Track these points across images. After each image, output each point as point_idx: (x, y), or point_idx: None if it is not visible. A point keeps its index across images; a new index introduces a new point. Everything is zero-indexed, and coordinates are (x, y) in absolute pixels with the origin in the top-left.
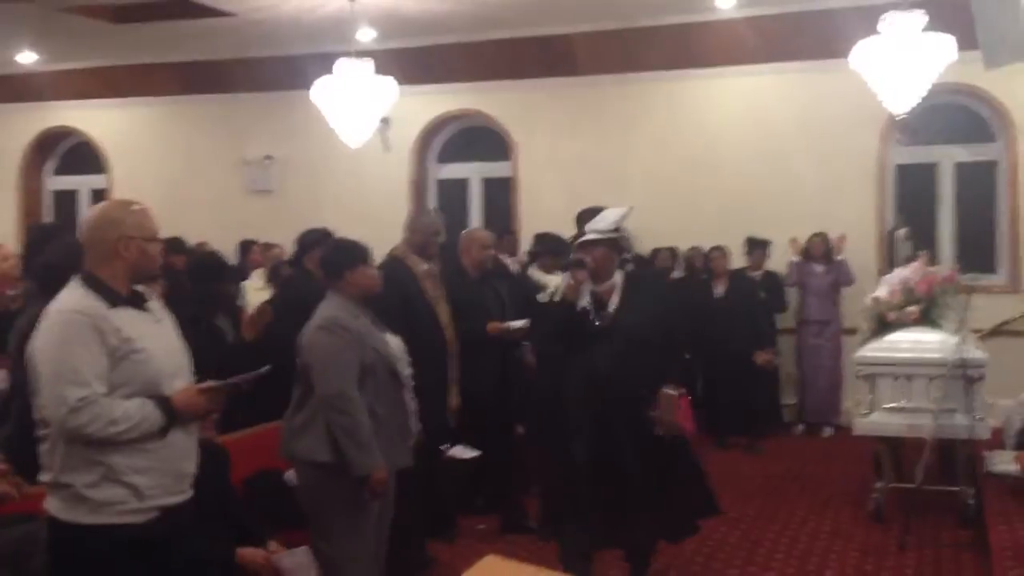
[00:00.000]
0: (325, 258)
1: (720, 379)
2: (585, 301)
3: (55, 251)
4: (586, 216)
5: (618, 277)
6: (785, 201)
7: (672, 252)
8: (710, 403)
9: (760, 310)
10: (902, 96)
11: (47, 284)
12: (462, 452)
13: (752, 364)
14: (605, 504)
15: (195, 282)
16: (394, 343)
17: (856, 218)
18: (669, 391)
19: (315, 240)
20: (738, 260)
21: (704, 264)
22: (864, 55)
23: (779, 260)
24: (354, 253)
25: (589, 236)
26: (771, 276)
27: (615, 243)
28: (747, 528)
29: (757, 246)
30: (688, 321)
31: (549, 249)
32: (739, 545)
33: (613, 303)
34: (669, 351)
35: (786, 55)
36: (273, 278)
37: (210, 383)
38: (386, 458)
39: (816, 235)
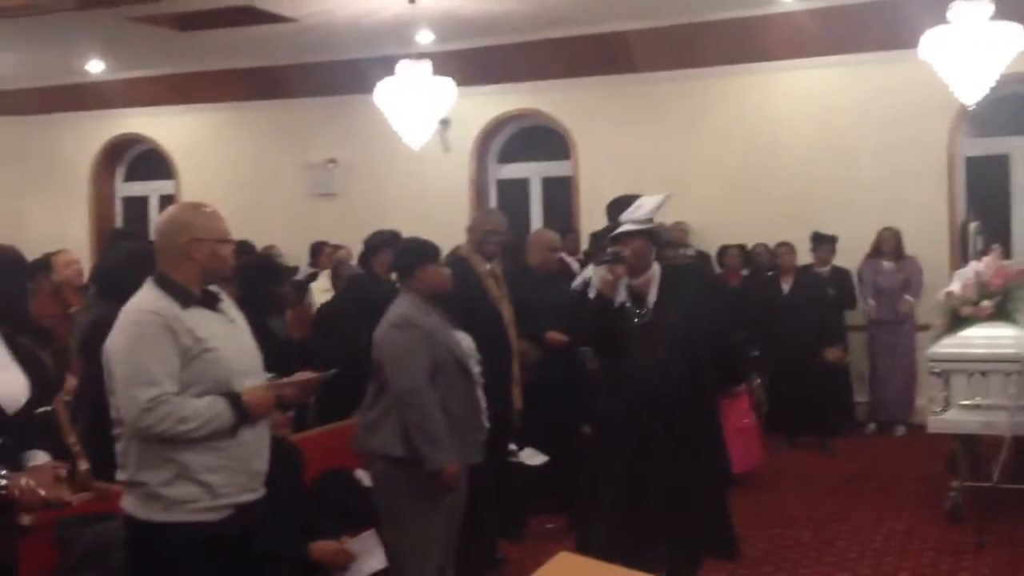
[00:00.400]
0: (397, 257)
1: (788, 377)
2: (622, 296)
3: (112, 255)
4: (619, 205)
5: (656, 269)
6: (851, 196)
7: (741, 249)
8: (778, 401)
9: (829, 307)
10: (972, 86)
11: (104, 288)
12: (531, 457)
13: (821, 362)
14: (635, 529)
15: (248, 284)
16: (465, 341)
17: (925, 212)
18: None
19: (382, 242)
20: (804, 256)
21: (771, 261)
22: (932, 45)
23: (845, 256)
24: (424, 252)
25: (625, 227)
26: (839, 272)
27: (652, 234)
28: (819, 528)
29: (823, 242)
30: (746, 316)
31: (602, 246)
32: (811, 545)
33: (651, 297)
34: (716, 346)
35: (850, 47)
36: (334, 279)
37: (279, 380)
38: (458, 453)
39: (886, 230)
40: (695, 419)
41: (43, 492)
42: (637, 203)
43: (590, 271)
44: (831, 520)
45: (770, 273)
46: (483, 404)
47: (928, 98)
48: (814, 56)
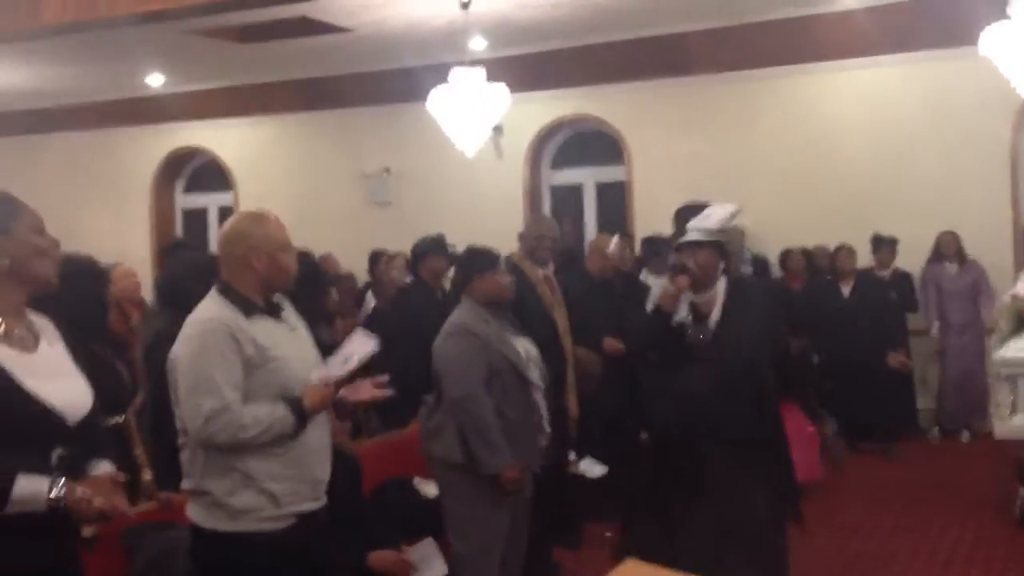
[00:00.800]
0: (458, 265)
1: (849, 383)
2: (682, 314)
3: (174, 266)
4: (687, 213)
5: (722, 286)
6: (910, 196)
7: (805, 253)
8: (839, 407)
9: (890, 311)
10: None
11: (167, 298)
12: (590, 468)
13: (883, 367)
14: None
15: (291, 293)
16: (528, 348)
17: (988, 212)
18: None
19: (427, 249)
20: (864, 259)
21: (830, 264)
22: (992, 40)
23: (905, 257)
24: (483, 260)
25: (692, 236)
26: (900, 275)
27: (721, 247)
28: (883, 538)
29: (884, 244)
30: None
31: (655, 250)
32: (876, 555)
33: (714, 316)
34: (785, 374)
35: (907, 44)
36: (375, 286)
37: (330, 374)
38: (516, 458)
39: (945, 233)
40: (758, 451)
41: (97, 502)
42: (707, 212)
43: (646, 278)
44: (896, 529)
45: (828, 277)
46: (543, 410)
47: (989, 95)
48: (871, 55)
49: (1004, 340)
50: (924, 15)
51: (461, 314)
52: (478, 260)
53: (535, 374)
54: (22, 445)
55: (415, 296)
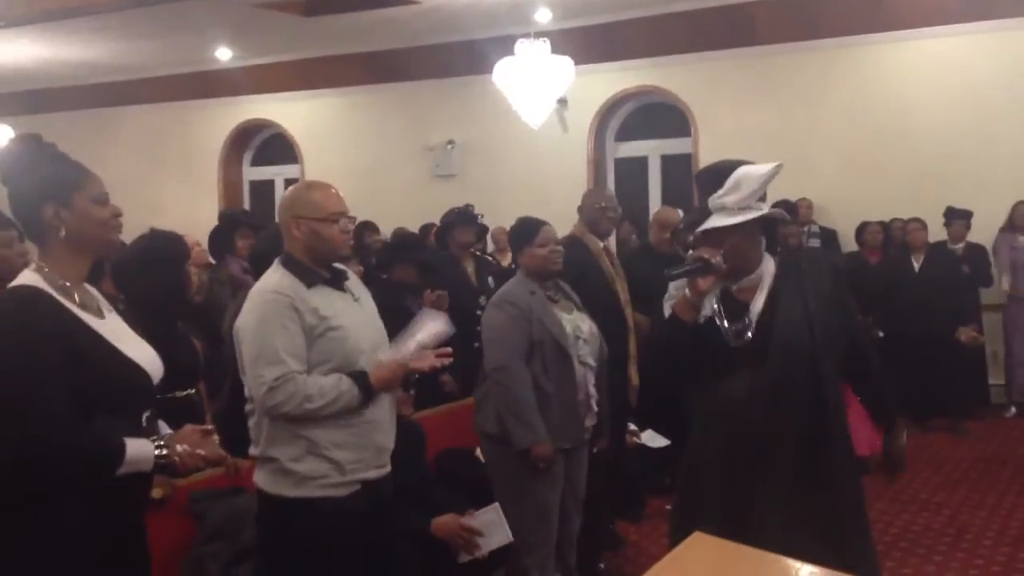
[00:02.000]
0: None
1: (919, 358)
2: (708, 310)
3: (263, 239)
4: (708, 181)
5: (768, 266)
6: (986, 170)
7: (883, 226)
8: (909, 383)
9: (963, 285)
10: None
11: (258, 270)
12: (652, 439)
13: (955, 342)
14: None
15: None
16: (579, 323)
17: None
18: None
19: (454, 220)
20: (937, 234)
21: (901, 237)
22: None
23: (981, 232)
24: (526, 232)
25: (715, 220)
26: (974, 248)
27: (759, 221)
28: (952, 513)
29: (957, 217)
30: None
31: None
32: (943, 531)
33: (757, 306)
34: (862, 372)
35: (986, 13)
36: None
37: (403, 355)
38: (553, 433)
39: (1022, 203)
40: (821, 483)
41: (201, 452)
42: (734, 178)
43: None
44: (965, 505)
45: (899, 250)
46: (591, 387)
47: None
48: (947, 24)
49: None
50: None
51: (509, 285)
52: (522, 232)
53: (584, 350)
54: (121, 407)
55: (443, 268)
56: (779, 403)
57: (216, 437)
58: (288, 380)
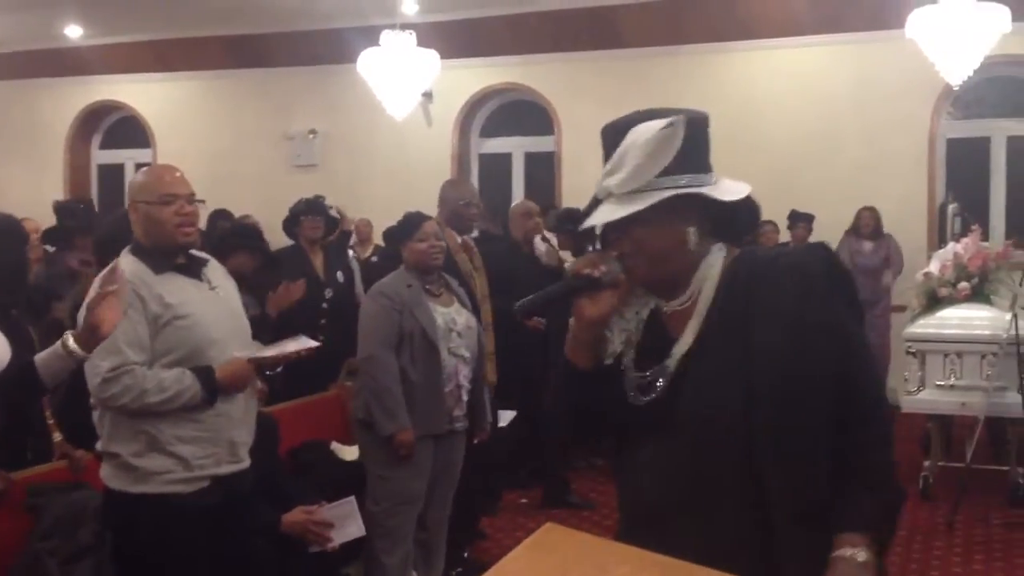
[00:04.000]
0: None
1: None
2: (616, 346)
3: (109, 223)
4: (607, 144)
5: (711, 273)
6: (832, 175)
7: (774, 226)
8: None
9: None
10: (957, 67)
11: (105, 256)
12: (501, 418)
13: None
14: None
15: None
16: (455, 316)
17: (906, 193)
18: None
19: (300, 211)
20: (783, 236)
21: (755, 239)
22: (920, 24)
23: (825, 235)
24: (408, 226)
25: (605, 213)
26: None
27: (680, 199)
28: None
29: (800, 220)
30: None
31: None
32: None
33: (684, 343)
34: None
35: (837, 26)
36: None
37: (257, 354)
38: (417, 422)
39: (866, 209)
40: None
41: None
42: (622, 147)
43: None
44: None
45: None
46: (462, 379)
47: (913, 77)
48: (801, 35)
49: (915, 317)
50: None
51: (388, 277)
52: (403, 226)
53: (457, 342)
54: None
55: (288, 262)
56: (696, 501)
57: (56, 436)
58: (125, 372)
